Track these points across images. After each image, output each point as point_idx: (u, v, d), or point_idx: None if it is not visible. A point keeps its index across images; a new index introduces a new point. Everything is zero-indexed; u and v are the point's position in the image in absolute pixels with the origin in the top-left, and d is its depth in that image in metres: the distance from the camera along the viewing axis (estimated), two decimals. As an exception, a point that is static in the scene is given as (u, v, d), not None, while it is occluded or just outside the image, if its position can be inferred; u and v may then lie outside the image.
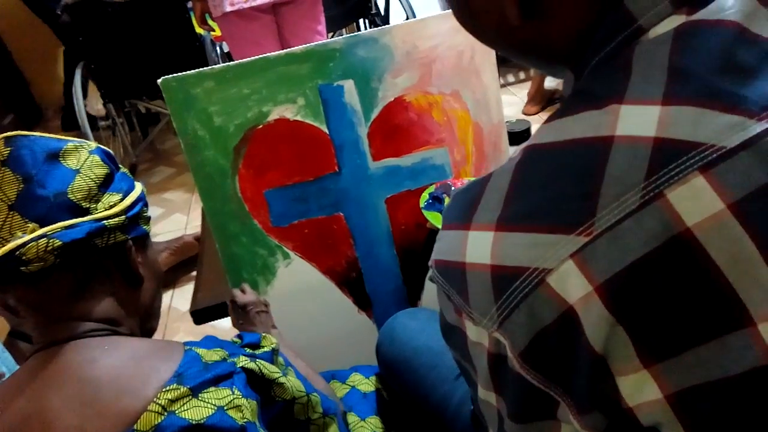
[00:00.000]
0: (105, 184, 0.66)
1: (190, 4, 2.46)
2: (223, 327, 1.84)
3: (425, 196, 1.11)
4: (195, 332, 1.86)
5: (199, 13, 2.18)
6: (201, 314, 1.24)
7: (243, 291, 1.07)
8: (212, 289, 1.29)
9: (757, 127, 0.37)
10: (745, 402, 0.37)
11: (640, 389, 0.39)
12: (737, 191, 0.36)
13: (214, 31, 2.35)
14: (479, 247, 0.43)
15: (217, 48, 2.85)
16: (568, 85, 0.49)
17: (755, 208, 0.36)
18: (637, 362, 0.38)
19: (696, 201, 0.36)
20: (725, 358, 0.37)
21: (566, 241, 0.39)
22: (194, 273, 2.22)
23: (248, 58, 1.07)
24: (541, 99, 2.92)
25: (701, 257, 0.36)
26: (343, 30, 3.22)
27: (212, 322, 1.32)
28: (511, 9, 0.45)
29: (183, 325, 1.94)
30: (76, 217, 0.62)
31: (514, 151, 1.00)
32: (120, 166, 0.72)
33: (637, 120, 0.39)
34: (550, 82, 2.99)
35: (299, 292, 1.20)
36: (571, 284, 0.38)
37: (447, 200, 1.06)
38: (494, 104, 1.21)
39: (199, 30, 2.57)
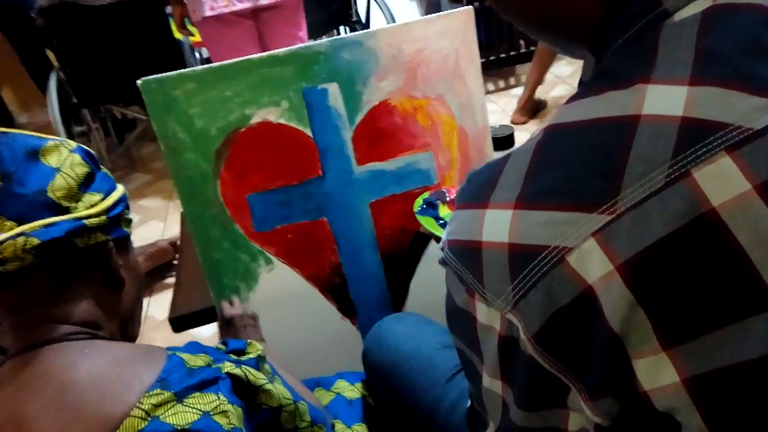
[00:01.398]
0: (86, 184, 0.64)
1: (168, 9, 2.43)
2: (202, 335, 1.81)
3: (419, 201, 1.11)
4: (172, 341, 1.82)
5: (179, 18, 2.16)
6: (180, 321, 1.21)
7: (231, 303, 1.05)
8: (192, 295, 1.27)
9: None
10: (765, 388, 0.37)
11: (656, 373, 0.38)
12: (763, 172, 0.36)
13: (193, 35, 2.32)
14: (497, 225, 0.42)
15: (196, 53, 2.83)
16: (588, 69, 0.49)
17: None
18: (656, 344, 0.38)
19: (722, 181, 0.36)
20: (746, 341, 0.36)
21: (588, 220, 0.38)
22: (169, 280, 2.19)
23: (230, 60, 1.05)
24: (530, 109, 2.94)
25: (726, 238, 0.36)
26: (323, 37, 3.21)
27: (191, 330, 1.29)
28: None
29: (160, 334, 1.90)
30: (55, 216, 0.60)
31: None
32: (101, 166, 0.70)
33: (664, 100, 0.39)
34: (539, 93, 3.01)
35: (282, 298, 1.17)
36: (592, 263, 0.38)
37: (441, 207, 1.05)
38: (479, 109, 1.21)
39: (177, 35, 2.55)
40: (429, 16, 1.13)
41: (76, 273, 0.63)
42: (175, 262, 2.22)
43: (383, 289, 1.23)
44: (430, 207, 1.07)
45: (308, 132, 1.12)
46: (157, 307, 2.04)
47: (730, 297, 0.36)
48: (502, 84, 3.48)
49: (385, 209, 1.19)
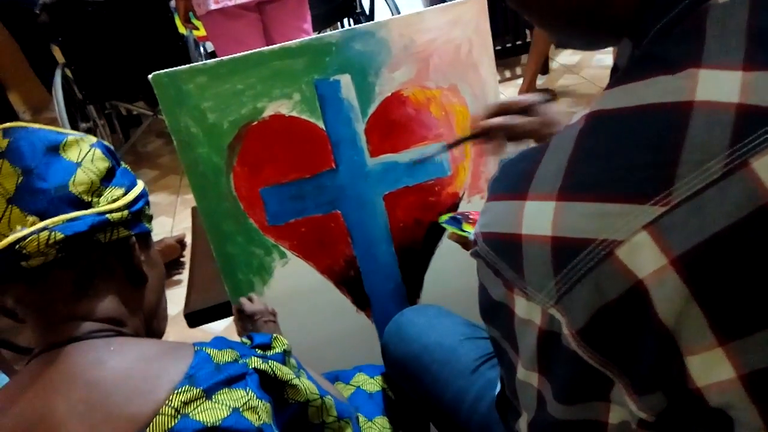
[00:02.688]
0: (107, 178, 0.63)
1: (173, 3, 2.42)
2: (214, 330, 1.81)
3: (444, 217, 1.09)
4: (184, 337, 1.82)
5: (183, 12, 2.14)
6: (195, 317, 1.21)
7: (251, 300, 1.04)
8: (206, 290, 1.26)
9: None
10: None
11: (711, 369, 0.37)
12: None
13: (197, 29, 2.31)
14: (538, 217, 0.41)
15: (201, 48, 2.81)
16: (625, 52, 0.47)
17: None
18: (712, 340, 0.37)
19: None
20: None
21: (640, 212, 0.37)
22: (177, 277, 2.19)
23: (242, 53, 1.04)
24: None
25: None
26: (328, 30, 3.20)
27: (203, 326, 1.29)
28: None
29: (172, 330, 1.90)
30: (77, 211, 0.59)
31: (513, 146, 0.97)
32: (122, 161, 0.69)
33: (719, 85, 0.37)
34: (546, 83, 2.99)
35: (296, 292, 1.17)
36: (643, 257, 0.37)
37: (465, 225, 1.03)
38: (492, 99, 1.20)
39: (182, 29, 2.53)
40: (441, 5, 1.12)
41: (98, 269, 0.62)
42: (183, 259, 2.23)
43: (398, 281, 1.23)
44: (455, 221, 1.05)
45: (321, 124, 1.11)
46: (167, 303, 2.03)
47: None
48: (507, 74, 3.46)
49: (399, 201, 1.18)
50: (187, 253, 2.15)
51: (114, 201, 0.62)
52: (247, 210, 1.11)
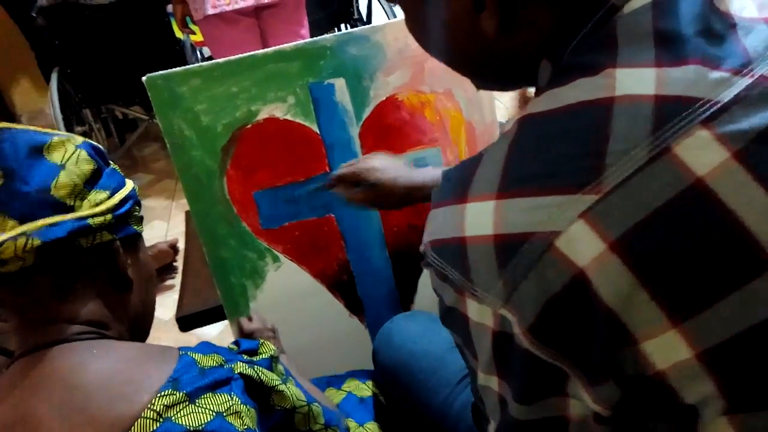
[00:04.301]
0: (91, 181, 0.62)
1: (169, 8, 2.42)
2: (207, 334, 1.80)
3: None
4: (177, 341, 1.81)
5: (180, 16, 2.15)
6: (187, 321, 1.20)
7: (250, 319, 1.04)
8: (198, 294, 1.26)
9: (743, 82, 0.39)
10: None
11: (669, 350, 0.38)
12: (737, 141, 0.37)
13: (194, 34, 2.31)
14: (479, 218, 0.41)
15: (198, 52, 2.81)
16: (545, 73, 0.48)
17: (756, 154, 0.37)
18: (665, 321, 0.37)
19: (703, 152, 0.37)
20: (754, 304, 0.36)
21: (574, 201, 0.38)
22: (170, 281, 2.18)
23: (236, 56, 1.03)
24: (525, 102, 2.93)
25: (717, 205, 0.37)
26: (325, 36, 3.20)
27: (195, 330, 1.28)
28: (489, 22, 0.45)
29: (164, 335, 1.89)
30: (58, 215, 0.58)
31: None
32: (110, 162, 0.68)
33: (635, 81, 0.40)
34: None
35: (289, 296, 1.16)
36: (582, 245, 0.38)
37: None
38: (487, 103, 1.19)
39: (179, 34, 2.54)
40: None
41: (80, 273, 0.61)
42: (175, 263, 2.21)
43: (391, 286, 1.22)
44: None
45: (315, 128, 1.10)
46: (159, 308, 2.01)
47: (730, 263, 0.37)
48: (504, 81, 3.46)
49: (393, 206, 1.17)
50: (180, 257, 2.14)
51: (97, 205, 0.61)
52: (240, 213, 1.11)
